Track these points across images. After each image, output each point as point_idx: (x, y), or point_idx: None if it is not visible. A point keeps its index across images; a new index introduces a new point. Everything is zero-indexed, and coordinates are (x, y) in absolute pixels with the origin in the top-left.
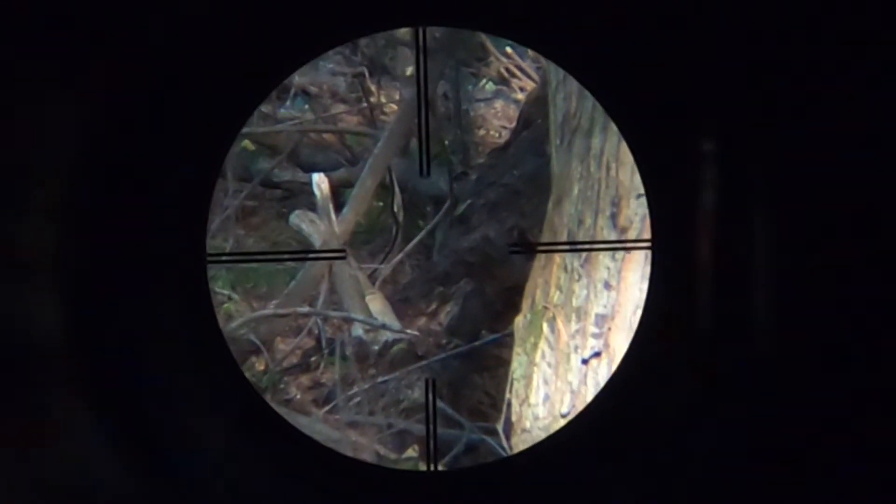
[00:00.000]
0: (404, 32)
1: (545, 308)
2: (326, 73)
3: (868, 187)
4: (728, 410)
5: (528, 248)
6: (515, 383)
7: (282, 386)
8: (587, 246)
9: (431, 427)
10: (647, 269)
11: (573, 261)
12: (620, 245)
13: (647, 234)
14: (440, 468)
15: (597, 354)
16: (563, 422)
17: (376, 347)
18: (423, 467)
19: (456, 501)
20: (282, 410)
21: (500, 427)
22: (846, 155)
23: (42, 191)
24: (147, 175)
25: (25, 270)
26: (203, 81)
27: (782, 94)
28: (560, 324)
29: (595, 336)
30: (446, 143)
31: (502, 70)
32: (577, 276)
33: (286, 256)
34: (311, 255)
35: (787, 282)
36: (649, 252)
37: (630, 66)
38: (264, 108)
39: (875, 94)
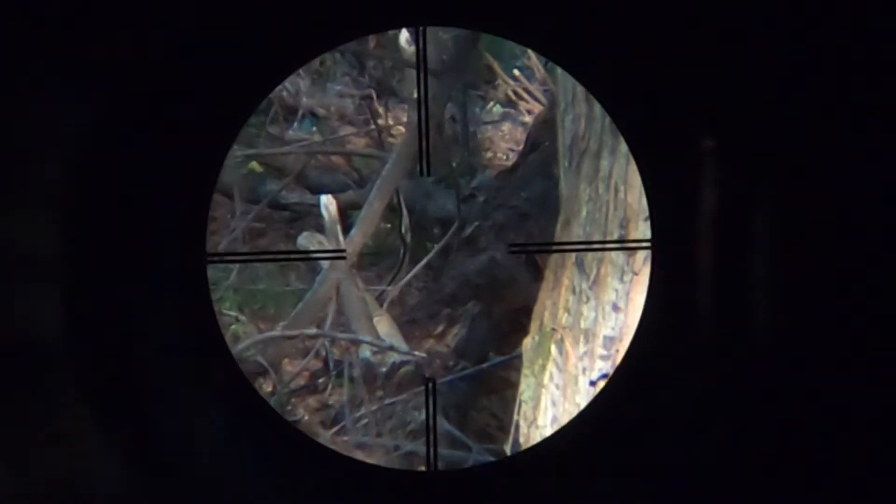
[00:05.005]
0: (411, 54)
1: (553, 330)
2: (334, 95)
3: (867, 187)
4: (728, 410)
5: (526, 250)
6: (523, 405)
7: (289, 407)
8: (584, 246)
9: (431, 426)
10: None
11: (581, 283)
12: (619, 245)
13: None
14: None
15: (605, 376)
16: None
17: (384, 369)
18: None
19: (456, 501)
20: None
21: (507, 449)
22: (846, 155)
23: (43, 191)
24: (147, 175)
25: (26, 270)
26: (205, 77)
27: (782, 94)
28: (568, 346)
29: (603, 358)
30: (454, 165)
31: (510, 93)
32: (585, 299)
33: (284, 257)
34: (312, 256)
35: (786, 281)
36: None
37: (630, 66)
38: (272, 129)
39: (875, 95)
